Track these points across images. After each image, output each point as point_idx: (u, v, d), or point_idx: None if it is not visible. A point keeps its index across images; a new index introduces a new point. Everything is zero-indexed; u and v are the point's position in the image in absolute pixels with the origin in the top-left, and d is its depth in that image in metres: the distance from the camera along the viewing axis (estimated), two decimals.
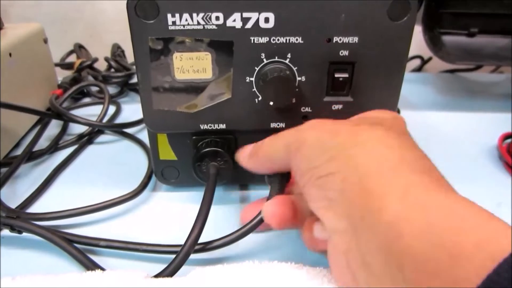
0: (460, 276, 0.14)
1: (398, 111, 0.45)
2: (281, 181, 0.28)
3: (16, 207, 0.35)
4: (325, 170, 0.22)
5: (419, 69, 0.76)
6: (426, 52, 0.68)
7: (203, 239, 0.28)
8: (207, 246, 0.29)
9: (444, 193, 0.18)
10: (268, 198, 0.28)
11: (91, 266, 0.28)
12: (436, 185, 0.18)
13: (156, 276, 0.26)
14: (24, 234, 0.31)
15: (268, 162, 0.27)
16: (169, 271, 0.26)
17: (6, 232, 0.32)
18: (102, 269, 0.28)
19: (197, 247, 0.28)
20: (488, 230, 0.15)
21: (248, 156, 0.29)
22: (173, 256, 0.27)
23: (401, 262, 0.17)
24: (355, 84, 0.31)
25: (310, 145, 0.23)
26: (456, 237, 0.15)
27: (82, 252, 0.29)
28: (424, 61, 0.75)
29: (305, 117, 0.32)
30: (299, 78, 0.30)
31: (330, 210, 0.21)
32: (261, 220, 0.28)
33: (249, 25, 0.28)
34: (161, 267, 0.27)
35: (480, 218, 0.16)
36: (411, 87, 0.63)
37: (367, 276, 0.19)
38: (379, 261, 0.18)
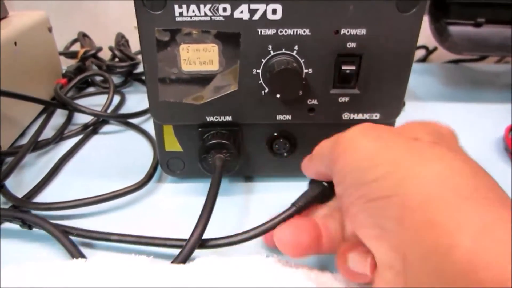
0: None
1: (404, 103, 0.45)
2: (322, 191, 0.26)
3: (22, 197, 0.35)
4: (378, 191, 0.19)
5: (424, 59, 0.75)
6: (431, 42, 0.67)
7: (207, 231, 0.28)
8: (209, 243, 0.29)
9: None
10: (293, 203, 0.26)
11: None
12: None
13: None
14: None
15: (317, 163, 0.25)
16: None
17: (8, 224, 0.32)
18: None
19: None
20: None
21: (307, 159, 0.27)
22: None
23: None
24: (362, 76, 0.31)
25: (358, 152, 0.20)
26: None
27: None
28: (429, 51, 0.75)
29: (312, 110, 0.32)
30: (306, 70, 0.30)
31: (383, 241, 0.19)
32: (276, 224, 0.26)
33: (256, 16, 0.28)
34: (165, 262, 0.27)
35: None
36: (416, 77, 0.63)
37: None
38: None
